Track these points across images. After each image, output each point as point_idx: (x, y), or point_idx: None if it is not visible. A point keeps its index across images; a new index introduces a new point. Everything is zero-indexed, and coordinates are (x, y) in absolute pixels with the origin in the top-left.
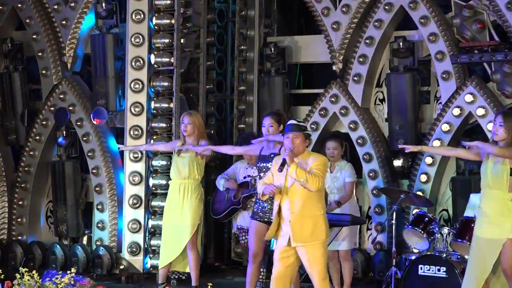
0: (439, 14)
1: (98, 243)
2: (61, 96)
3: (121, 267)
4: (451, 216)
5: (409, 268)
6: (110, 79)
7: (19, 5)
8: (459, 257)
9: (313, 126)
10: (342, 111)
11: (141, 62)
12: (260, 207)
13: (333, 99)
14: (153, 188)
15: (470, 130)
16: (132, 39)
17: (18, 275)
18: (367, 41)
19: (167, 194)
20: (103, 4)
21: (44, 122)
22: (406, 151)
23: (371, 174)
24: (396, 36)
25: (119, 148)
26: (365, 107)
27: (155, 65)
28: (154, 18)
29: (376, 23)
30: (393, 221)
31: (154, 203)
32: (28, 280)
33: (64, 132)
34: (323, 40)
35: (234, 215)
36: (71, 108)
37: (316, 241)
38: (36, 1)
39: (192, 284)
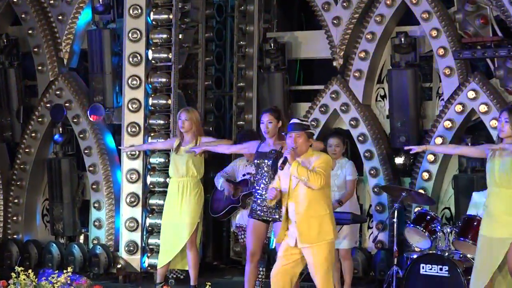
0: (441, 9)
1: (95, 241)
2: (57, 92)
3: (118, 266)
4: (453, 214)
5: (410, 267)
6: (107, 75)
7: (15, 0)
8: (461, 256)
9: (313, 123)
10: (343, 108)
11: (139, 58)
12: (257, 206)
13: (333, 95)
14: (151, 186)
15: (472, 127)
16: (130, 34)
17: (13, 275)
18: (368, 36)
19: (167, 192)
20: None
21: (40, 119)
22: (411, 152)
23: (372, 172)
24: (398, 31)
25: (121, 149)
26: (366, 103)
27: (153, 61)
28: (151, 13)
29: (378, 18)
30: (395, 220)
31: (151, 201)
32: (24, 279)
33: (61, 129)
34: (323, 35)
35: (233, 213)
36: (67, 104)
37: (322, 241)
38: None
39: (190, 284)
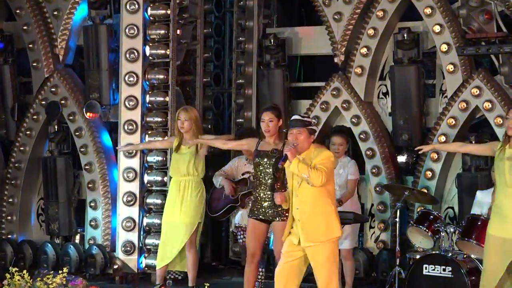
0: (444, 5)
1: (91, 242)
2: (53, 89)
3: (115, 266)
4: (457, 213)
5: (413, 267)
6: (103, 72)
7: None
8: (465, 256)
9: (314, 120)
10: (344, 105)
11: (136, 54)
12: (257, 206)
13: (334, 92)
14: (148, 185)
15: (476, 125)
16: (127, 30)
17: (8, 275)
18: (370, 32)
19: (164, 191)
20: None
21: (35, 117)
22: (420, 152)
23: (374, 171)
24: (400, 27)
25: (117, 149)
26: (368, 101)
27: (150, 57)
28: (149, 8)
29: (380, 14)
30: (397, 219)
31: (149, 200)
32: (19, 280)
33: (56, 127)
34: (324, 31)
35: (232, 213)
36: (63, 102)
37: (328, 239)
38: None
39: (188, 285)
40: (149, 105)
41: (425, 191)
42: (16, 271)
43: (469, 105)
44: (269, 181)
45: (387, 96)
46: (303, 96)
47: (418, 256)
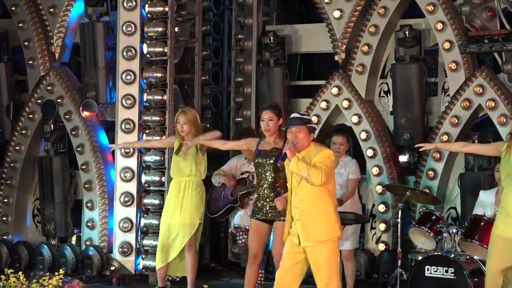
0: (447, 2)
1: (88, 243)
2: (49, 88)
3: (112, 268)
4: (459, 214)
5: (415, 269)
6: (100, 70)
7: None
8: (467, 257)
9: (314, 119)
10: (345, 104)
11: (133, 52)
12: (259, 206)
13: (335, 91)
14: (146, 185)
15: (479, 124)
16: (124, 27)
17: (3, 277)
18: (371, 29)
19: (162, 191)
20: None
21: (30, 116)
22: (421, 150)
23: (375, 170)
24: (402, 24)
25: (111, 146)
26: (369, 99)
27: (148, 55)
28: (146, 5)
29: (381, 11)
30: (399, 220)
31: (146, 200)
32: (14, 282)
33: (52, 126)
34: (325, 29)
35: (231, 213)
36: (59, 100)
37: (329, 239)
38: None
39: (187, 287)
40: (147, 103)
41: (427, 191)
42: (11, 272)
43: (471, 103)
44: (271, 180)
45: (388, 94)
46: (303, 95)
47: (420, 257)
